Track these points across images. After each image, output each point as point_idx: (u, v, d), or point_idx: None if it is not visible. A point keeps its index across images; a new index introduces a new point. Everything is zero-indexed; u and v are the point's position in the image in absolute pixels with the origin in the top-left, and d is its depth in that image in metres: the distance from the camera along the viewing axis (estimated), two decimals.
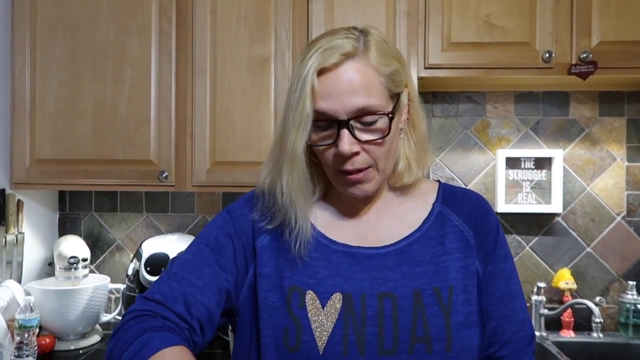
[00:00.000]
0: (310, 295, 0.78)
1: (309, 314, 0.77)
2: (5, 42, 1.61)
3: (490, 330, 0.82)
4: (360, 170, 0.78)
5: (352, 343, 0.75)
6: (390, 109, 0.78)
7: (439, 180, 0.92)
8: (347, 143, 0.75)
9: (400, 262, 0.80)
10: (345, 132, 0.75)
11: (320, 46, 0.76)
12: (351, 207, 0.86)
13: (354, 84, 0.75)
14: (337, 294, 0.77)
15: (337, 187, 0.82)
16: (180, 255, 0.85)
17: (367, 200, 0.86)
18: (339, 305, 0.77)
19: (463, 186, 1.80)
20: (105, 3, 1.55)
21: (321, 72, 0.75)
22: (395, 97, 0.79)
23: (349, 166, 0.77)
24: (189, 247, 0.85)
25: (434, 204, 0.86)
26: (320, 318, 0.76)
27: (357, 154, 0.77)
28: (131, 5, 1.55)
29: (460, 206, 0.85)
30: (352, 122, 0.75)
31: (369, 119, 0.76)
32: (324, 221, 0.85)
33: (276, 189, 0.81)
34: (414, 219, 0.84)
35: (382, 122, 0.77)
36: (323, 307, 0.77)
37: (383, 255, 0.80)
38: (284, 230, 0.81)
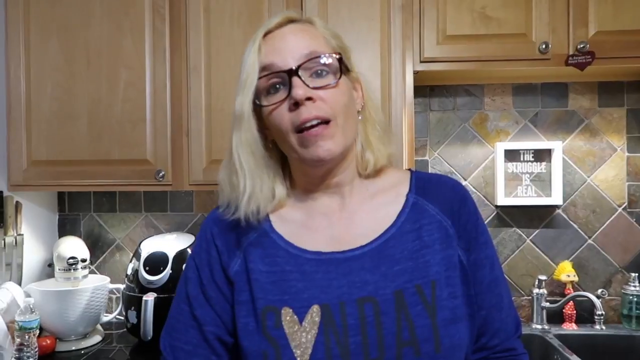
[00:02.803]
0: (286, 312, 0.74)
1: (287, 333, 0.73)
2: None
3: (480, 320, 0.79)
4: (319, 124, 0.74)
5: (335, 356, 0.71)
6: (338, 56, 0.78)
7: (410, 169, 0.88)
8: (300, 88, 0.74)
9: (377, 263, 0.76)
10: (296, 80, 0.74)
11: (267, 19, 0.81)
12: (321, 208, 0.82)
13: (299, 36, 0.78)
14: (315, 306, 0.74)
15: (300, 155, 0.77)
16: (168, 316, 0.85)
17: (337, 193, 0.82)
18: (317, 318, 0.73)
19: (462, 180, 1.79)
20: (98, 2, 1.55)
21: (267, 34, 0.79)
22: (340, 57, 0.79)
23: (305, 114, 0.73)
24: (172, 304, 0.85)
25: (407, 195, 0.82)
26: (299, 335, 0.73)
27: (311, 99, 0.74)
28: (124, 4, 1.54)
29: (435, 194, 0.82)
30: (301, 71, 0.75)
31: (318, 66, 0.76)
32: (292, 230, 0.81)
33: (231, 169, 0.80)
34: (388, 214, 0.80)
35: (332, 69, 0.77)
36: (301, 323, 0.73)
37: (359, 257, 0.76)
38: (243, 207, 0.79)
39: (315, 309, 0.74)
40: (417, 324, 0.72)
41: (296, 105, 0.74)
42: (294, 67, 0.75)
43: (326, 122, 0.75)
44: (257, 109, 0.78)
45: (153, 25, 1.54)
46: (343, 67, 0.78)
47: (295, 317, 0.74)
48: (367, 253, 0.77)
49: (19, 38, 1.57)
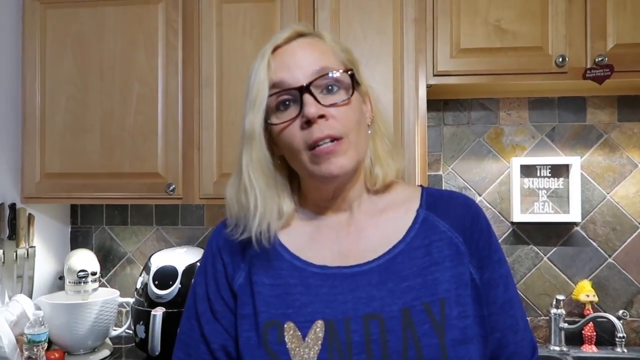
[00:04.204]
0: (289, 327, 0.72)
1: (289, 348, 0.71)
2: (16, 58, 1.64)
3: (494, 343, 0.76)
4: (332, 141, 0.72)
5: None
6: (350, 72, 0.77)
7: (421, 185, 0.86)
8: (312, 105, 0.72)
9: (385, 279, 0.73)
10: (308, 97, 0.73)
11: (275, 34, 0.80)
12: (330, 223, 0.81)
13: (308, 51, 0.76)
14: (319, 321, 0.72)
15: (311, 172, 0.75)
16: (179, 331, 0.84)
17: (346, 209, 0.81)
18: (321, 334, 0.71)
19: (477, 196, 1.76)
20: (112, 17, 1.57)
21: (275, 49, 0.77)
22: (352, 74, 0.78)
23: (317, 133, 0.72)
24: (182, 318, 0.84)
25: (417, 211, 0.79)
26: (302, 351, 0.71)
27: (323, 117, 0.72)
28: (138, 18, 1.56)
29: (446, 210, 0.79)
30: (313, 87, 0.73)
31: (329, 81, 0.75)
32: (299, 243, 0.80)
33: (240, 188, 0.78)
34: (397, 229, 0.78)
35: (344, 85, 0.76)
36: (304, 338, 0.71)
37: (366, 272, 0.74)
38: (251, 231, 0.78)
39: (319, 324, 0.72)
40: (423, 343, 0.69)
41: (308, 123, 0.73)
42: (304, 84, 0.73)
43: (338, 139, 0.73)
44: (267, 127, 0.77)
45: (166, 39, 1.55)
46: (355, 83, 0.77)
47: (299, 332, 0.72)
48: (374, 269, 0.75)
49: (35, 52, 1.60)
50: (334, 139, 0.73)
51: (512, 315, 0.77)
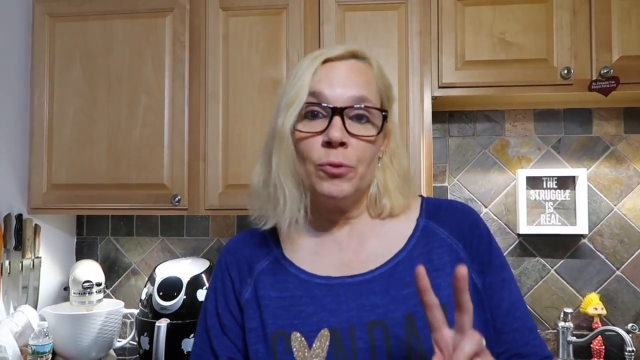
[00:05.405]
0: (296, 337, 0.74)
1: (297, 357, 0.73)
2: (25, 70, 1.66)
3: (502, 345, 0.77)
4: (342, 166, 0.74)
5: None
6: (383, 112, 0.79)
7: (421, 196, 0.88)
8: (338, 130, 0.73)
9: (387, 286, 0.76)
10: (337, 120, 0.74)
11: (329, 46, 0.82)
12: (332, 235, 0.83)
13: (354, 76, 0.77)
14: (324, 330, 0.74)
15: (314, 183, 0.77)
16: (193, 344, 0.87)
17: (347, 222, 0.83)
18: (326, 342, 0.73)
19: (483, 207, 1.75)
20: (120, 30, 1.59)
21: (326, 61, 0.78)
22: (385, 115, 0.79)
23: (333, 158, 0.74)
24: (196, 332, 0.87)
25: (417, 220, 0.82)
26: (309, 359, 0.73)
27: (344, 145, 0.74)
28: (145, 32, 1.58)
29: (445, 218, 0.81)
30: (345, 112, 0.75)
31: (362, 112, 0.76)
32: (304, 256, 0.82)
33: (268, 179, 0.81)
34: (398, 238, 0.80)
35: (374, 122, 0.77)
36: (310, 347, 0.73)
37: (368, 281, 0.77)
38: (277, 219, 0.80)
39: (324, 332, 0.74)
40: (427, 347, 0.70)
41: (328, 144, 0.75)
42: (339, 107, 0.75)
43: (348, 167, 0.75)
44: (293, 130, 0.79)
45: (173, 52, 1.57)
46: (384, 124, 0.79)
47: (305, 341, 0.74)
48: (376, 277, 0.77)
49: (44, 65, 1.62)
50: (344, 166, 0.75)
51: (518, 317, 0.78)
